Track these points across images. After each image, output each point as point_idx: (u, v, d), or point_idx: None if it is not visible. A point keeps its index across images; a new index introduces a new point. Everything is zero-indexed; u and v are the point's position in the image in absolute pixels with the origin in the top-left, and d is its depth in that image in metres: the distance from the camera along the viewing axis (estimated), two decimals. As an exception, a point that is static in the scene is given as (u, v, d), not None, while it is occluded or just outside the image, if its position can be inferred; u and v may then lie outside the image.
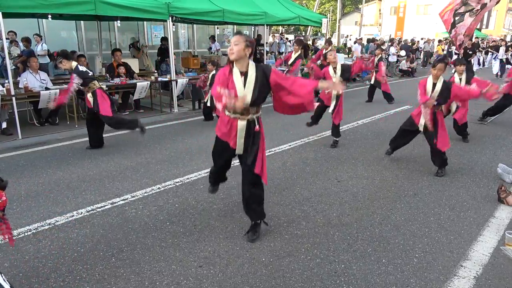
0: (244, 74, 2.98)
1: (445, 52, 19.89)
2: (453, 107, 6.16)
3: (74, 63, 5.42)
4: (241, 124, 3.08)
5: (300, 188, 4.45)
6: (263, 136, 3.20)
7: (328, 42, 11.79)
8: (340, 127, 7.19)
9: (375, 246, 3.26)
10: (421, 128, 4.86)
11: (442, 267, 2.98)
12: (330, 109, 5.93)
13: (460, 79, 6.05)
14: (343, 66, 6.01)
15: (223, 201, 4.06)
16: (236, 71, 2.99)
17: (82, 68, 5.49)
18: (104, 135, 5.95)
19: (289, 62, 8.67)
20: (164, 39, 11.61)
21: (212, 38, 13.54)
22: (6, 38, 9.02)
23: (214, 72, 7.08)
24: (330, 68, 5.94)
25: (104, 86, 7.43)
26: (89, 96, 5.55)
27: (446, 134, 4.81)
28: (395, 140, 5.30)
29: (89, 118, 5.81)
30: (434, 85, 4.63)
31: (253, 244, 3.25)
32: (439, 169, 4.87)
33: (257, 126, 3.11)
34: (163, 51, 11.48)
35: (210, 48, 13.59)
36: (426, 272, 2.91)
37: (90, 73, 5.66)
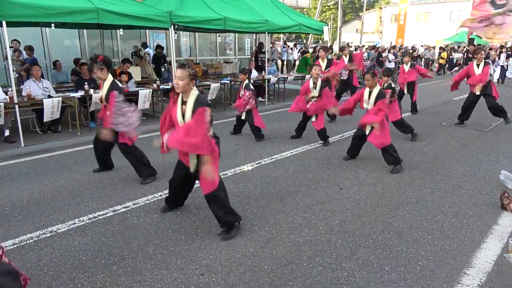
0: (186, 103, 3.27)
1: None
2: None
3: (110, 77, 4.60)
4: None
5: (302, 195, 4.44)
6: (216, 155, 3.32)
7: (341, 48, 11.66)
8: (343, 134, 7.24)
9: (378, 254, 3.24)
10: (367, 132, 5.27)
11: (446, 275, 2.96)
12: (313, 119, 6.42)
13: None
14: (322, 81, 6.39)
15: (225, 208, 4.04)
16: (179, 101, 3.31)
17: (118, 83, 4.73)
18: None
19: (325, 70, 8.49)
20: (159, 47, 11.72)
21: (144, 45, 12.34)
22: (10, 47, 9.10)
23: (246, 81, 6.70)
24: (310, 82, 6.34)
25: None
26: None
27: (387, 133, 5.18)
28: (351, 151, 5.75)
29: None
30: (371, 92, 5.19)
31: (255, 251, 3.23)
32: (394, 167, 5.24)
33: None
34: (158, 59, 11.57)
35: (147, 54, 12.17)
36: (429, 280, 2.89)
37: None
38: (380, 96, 5.09)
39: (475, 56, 7.39)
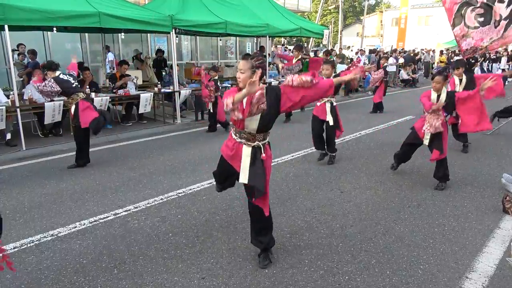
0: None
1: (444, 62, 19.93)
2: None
3: (57, 72, 5.21)
4: (247, 150, 2.91)
5: (303, 199, 4.43)
6: (269, 166, 2.99)
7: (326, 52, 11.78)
8: (343, 138, 7.23)
9: (379, 258, 3.23)
10: (426, 142, 4.77)
11: (448, 279, 2.94)
12: (331, 122, 5.48)
13: (461, 80, 6.07)
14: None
15: (226, 212, 4.05)
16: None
17: (63, 77, 5.22)
18: (106, 146, 5.93)
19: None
20: (159, 51, 11.79)
21: (107, 48, 11.36)
22: (16, 50, 9.16)
23: (216, 77, 7.65)
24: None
25: (108, 98, 7.54)
26: (73, 109, 5.31)
27: (446, 145, 4.75)
28: (401, 156, 5.19)
29: (75, 133, 5.51)
30: (438, 96, 4.67)
31: (256, 255, 3.21)
32: (440, 182, 4.80)
33: (263, 154, 2.90)
34: (159, 63, 11.63)
35: (105, 59, 11.22)
36: (431, 284, 2.88)
37: (74, 84, 5.34)
38: (451, 97, 4.58)
39: None
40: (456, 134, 6.44)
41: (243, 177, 2.94)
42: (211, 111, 7.70)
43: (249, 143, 2.91)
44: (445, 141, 4.73)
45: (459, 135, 6.44)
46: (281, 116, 9.40)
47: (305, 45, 28.34)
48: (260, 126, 2.87)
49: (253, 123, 2.85)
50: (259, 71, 2.78)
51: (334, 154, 5.76)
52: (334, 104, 5.53)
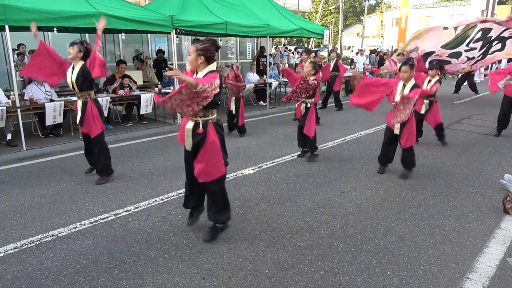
0: None
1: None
2: (423, 109, 6.48)
3: (82, 61, 4.66)
4: (189, 124, 3.20)
5: (303, 199, 4.43)
6: (209, 140, 3.13)
7: (330, 51, 11.79)
8: (344, 138, 7.23)
9: (380, 258, 3.23)
10: (396, 131, 4.98)
11: (448, 279, 2.94)
12: (300, 123, 5.76)
13: (430, 80, 6.24)
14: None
15: (226, 212, 4.04)
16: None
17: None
18: (107, 146, 5.90)
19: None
20: (160, 51, 11.81)
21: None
22: (16, 49, 9.17)
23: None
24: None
25: (108, 98, 7.53)
26: (79, 104, 4.82)
27: (414, 132, 4.95)
28: (382, 157, 5.32)
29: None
30: (404, 86, 4.82)
31: (257, 255, 3.22)
32: (406, 170, 5.04)
33: (200, 128, 3.12)
34: (159, 63, 11.65)
35: None
36: (431, 285, 2.88)
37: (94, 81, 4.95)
38: (415, 87, 4.72)
39: None
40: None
41: (188, 146, 3.26)
42: (233, 112, 7.38)
43: (191, 118, 3.15)
44: (414, 130, 4.92)
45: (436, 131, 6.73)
46: (288, 116, 9.41)
47: (306, 46, 28.36)
48: None
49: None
50: (201, 57, 3.00)
51: (315, 153, 5.85)
52: (309, 105, 5.67)
